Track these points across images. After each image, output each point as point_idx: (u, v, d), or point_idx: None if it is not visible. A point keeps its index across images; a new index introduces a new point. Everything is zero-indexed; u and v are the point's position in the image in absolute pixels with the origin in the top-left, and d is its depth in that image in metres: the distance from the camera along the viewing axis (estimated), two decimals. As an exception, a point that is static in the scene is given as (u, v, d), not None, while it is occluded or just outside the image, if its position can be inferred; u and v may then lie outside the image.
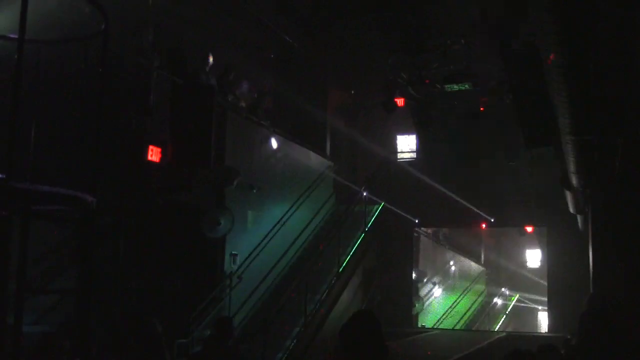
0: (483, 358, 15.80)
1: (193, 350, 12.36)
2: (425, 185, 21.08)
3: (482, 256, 25.96)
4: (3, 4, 7.42)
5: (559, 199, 14.78)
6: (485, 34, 17.18)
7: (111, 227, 12.06)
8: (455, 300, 25.23)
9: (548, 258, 21.21)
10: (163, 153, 12.65)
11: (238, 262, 15.02)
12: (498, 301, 26.10)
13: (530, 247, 24.05)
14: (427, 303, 23.71)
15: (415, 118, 21.01)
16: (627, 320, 7.49)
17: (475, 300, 25.84)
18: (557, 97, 7.60)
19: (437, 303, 24.70)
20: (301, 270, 16.33)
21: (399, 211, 21.24)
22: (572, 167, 10.44)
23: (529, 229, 22.32)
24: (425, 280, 23.97)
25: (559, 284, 19.71)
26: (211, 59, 14.56)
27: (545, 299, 22.18)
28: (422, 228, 22.40)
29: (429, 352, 15.01)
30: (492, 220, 21.49)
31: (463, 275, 25.42)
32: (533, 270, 24.46)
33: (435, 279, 24.81)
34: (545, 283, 22.19)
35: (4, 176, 4.17)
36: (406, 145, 22.93)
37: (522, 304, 25.13)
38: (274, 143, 17.23)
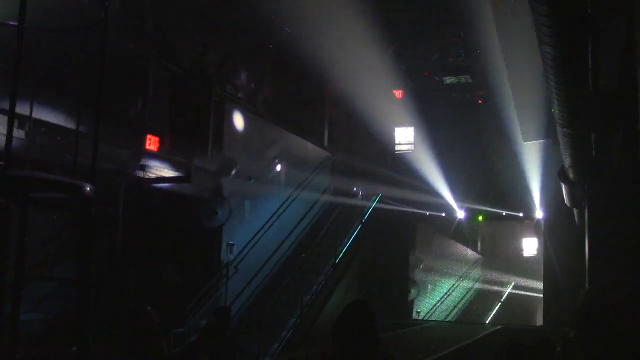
0: (479, 350, 15.84)
1: (189, 340, 12.39)
2: (423, 177, 21.12)
3: (479, 244, 26.01)
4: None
5: (556, 192, 14.81)
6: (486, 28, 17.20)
7: (108, 216, 12.06)
8: (451, 287, 25.31)
9: (544, 251, 21.25)
10: (161, 142, 12.65)
11: (235, 252, 15.04)
12: (493, 289, 26.18)
13: (526, 236, 24.11)
14: (422, 289, 23.79)
15: (413, 110, 21.03)
16: (624, 314, 7.52)
17: (471, 288, 25.93)
18: (554, 90, 7.62)
19: (433, 289, 24.77)
20: (298, 261, 16.35)
21: (396, 202, 21.26)
22: (568, 161, 10.47)
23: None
24: (421, 266, 24.02)
25: (555, 277, 19.74)
26: (210, 49, 14.55)
27: (541, 285, 22.26)
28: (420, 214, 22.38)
29: (432, 346, 15.04)
30: (489, 213, 21.56)
31: (459, 262, 25.47)
32: (529, 259, 24.52)
33: (431, 265, 24.89)
34: (541, 270, 22.26)
35: (3, 164, 4.18)
36: (404, 137, 22.94)
37: (518, 292, 25.19)
38: (272, 133, 17.23)
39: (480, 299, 25.80)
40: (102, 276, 10.96)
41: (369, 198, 21.14)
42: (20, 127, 7.01)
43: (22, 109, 4.67)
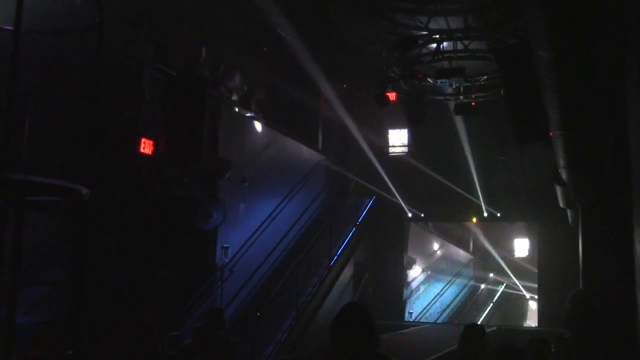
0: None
1: (184, 343, 12.38)
2: (417, 180, 21.18)
3: (471, 244, 26.07)
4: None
5: (549, 194, 14.85)
6: (479, 29, 17.24)
7: (104, 219, 12.05)
8: (443, 287, 25.33)
9: (538, 252, 21.34)
10: (155, 145, 12.65)
11: (229, 254, 15.04)
12: (485, 289, 26.19)
13: (518, 237, 24.14)
14: (414, 289, 23.85)
15: (407, 112, 21.04)
16: (616, 315, 7.56)
17: (463, 288, 25.96)
18: (547, 92, 7.65)
19: (425, 290, 24.80)
20: (292, 263, 16.37)
21: (390, 205, 21.32)
22: (562, 162, 10.50)
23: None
24: (413, 267, 24.07)
25: (549, 278, 19.82)
26: (204, 52, 14.56)
27: (532, 286, 22.37)
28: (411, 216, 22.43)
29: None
30: (484, 214, 21.62)
31: (451, 262, 25.52)
32: (521, 259, 24.54)
33: (424, 266, 24.91)
34: (533, 270, 22.38)
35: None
36: (398, 139, 22.99)
37: (510, 292, 25.20)
38: (267, 136, 17.25)
39: (473, 300, 25.83)
40: (97, 279, 10.96)
41: (364, 200, 21.19)
42: (18, 129, 7.02)
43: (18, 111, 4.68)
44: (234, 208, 15.37)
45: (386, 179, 21.45)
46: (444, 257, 25.61)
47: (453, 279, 25.45)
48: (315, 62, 17.98)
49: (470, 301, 26.06)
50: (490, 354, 6.12)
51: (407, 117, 20.29)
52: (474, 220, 22.44)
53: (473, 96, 19.47)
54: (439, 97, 20.08)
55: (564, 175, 11.24)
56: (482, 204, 21.32)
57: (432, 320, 24.11)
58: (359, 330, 4.05)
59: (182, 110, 12.72)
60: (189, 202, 14.01)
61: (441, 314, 24.77)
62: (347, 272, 19.09)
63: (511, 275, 24.92)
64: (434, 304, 24.60)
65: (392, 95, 18.94)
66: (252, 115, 16.76)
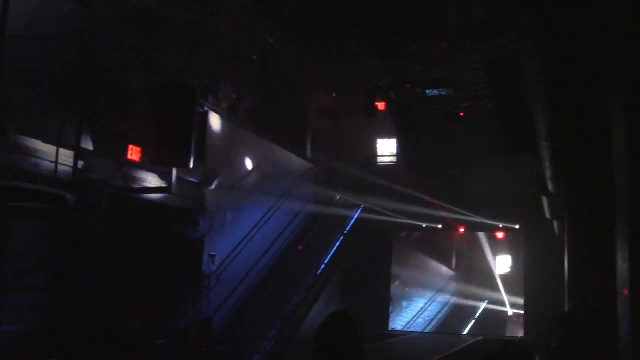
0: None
1: (172, 352, 12.33)
2: (404, 189, 21.19)
3: (454, 261, 26.13)
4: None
5: (536, 204, 14.90)
6: (468, 40, 17.31)
7: (90, 226, 12.00)
8: (426, 304, 25.34)
9: (525, 263, 21.37)
10: (143, 153, 12.62)
11: (217, 263, 15.01)
12: (467, 305, 26.23)
13: (500, 253, 24.21)
14: (397, 305, 23.89)
15: (396, 122, 21.12)
16: (599, 325, 7.59)
17: (446, 304, 25.99)
18: (534, 103, 7.69)
19: (407, 306, 24.81)
20: (280, 272, 16.35)
21: (378, 215, 21.32)
22: (548, 173, 10.53)
23: (500, 234, 22.52)
24: (396, 282, 24.09)
25: (535, 289, 19.86)
26: (193, 60, 14.57)
27: (514, 302, 22.49)
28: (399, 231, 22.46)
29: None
30: (470, 225, 21.70)
31: (433, 278, 25.56)
32: (503, 276, 24.61)
33: (406, 281, 24.91)
34: (513, 286, 22.53)
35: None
36: (387, 149, 23.01)
37: (492, 308, 25.24)
38: (255, 144, 17.24)
39: (455, 316, 25.87)
40: (82, 286, 10.90)
41: (351, 209, 21.20)
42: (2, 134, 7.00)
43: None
44: (222, 216, 15.35)
45: (374, 188, 21.47)
46: (425, 273, 25.64)
47: (435, 295, 25.53)
48: (305, 71, 18.02)
49: (452, 317, 26.10)
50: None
51: (396, 126, 20.37)
52: (462, 230, 22.46)
53: (462, 106, 19.57)
54: (428, 107, 20.13)
55: (550, 186, 11.28)
56: (470, 214, 21.36)
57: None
58: (344, 340, 4.04)
59: (171, 118, 12.70)
60: (177, 211, 13.97)
61: (424, 329, 24.81)
62: (334, 282, 19.07)
63: (493, 290, 24.96)
64: (416, 320, 24.66)
65: (381, 105, 18.99)
66: (240, 123, 16.76)
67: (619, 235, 4.74)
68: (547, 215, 14.23)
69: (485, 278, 24.18)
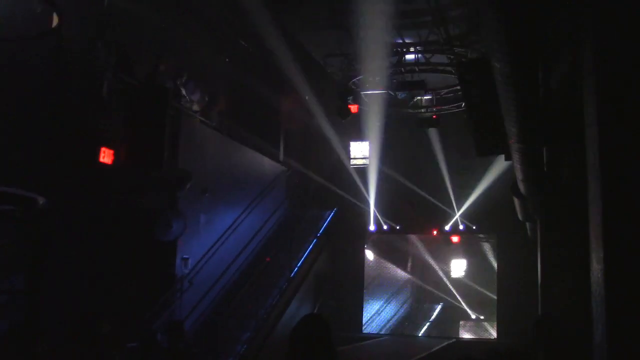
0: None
1: (143, 354, 12.24)
2: (377, 192, 21.27)
3: (409, 264, 26.30)
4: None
5: (509, 207, 15.02)
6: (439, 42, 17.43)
7: (62, 228, 11.89)
8: (382, 306, 25.49)
9: (497, 266, 21.51)
10: (115, 155, 12.52)
11: (189, 266, 14.94)
12: (423, 308, 26.40)
13: (455, 257, 24.41)
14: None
15: (367, 124, 21.16)
16: (572, 327, 7.65)
17: (401, 306, 26.17)
18: (505, 104, 7.75)
19: (365, 308, 24.98)
20: (253, 275, 16.33)
21: (351, 217, 21.39)
22: (520, 175, 10.62)
23: (455, 239, 22.69)
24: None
25: (508, 292, 20.01)
26: (166, 62, 14.50)
27: (470, 307, 22.83)
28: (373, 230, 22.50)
29: None
30: (445, 228, 21.86)
31: (390, 282, 25.72)
32: (457, 280, 24.85)
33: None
34: (470, 292, 22.84)
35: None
36: (359, 151, 23.04)
37: (447, 311, 25.45)
38: (228, 147, 17.20)
39: (410, 318, 26.08)
40: (55, 289, 10.79)
41: (324, 212, 21.24)
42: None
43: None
44: (195, 219, 15.29)
45: (346, 191, 21.54)
46: (382, 276, 25.82)
47: (391, 298, 25.71)
48: (277, 73, 18.01)
49: (408, 320, 26.32)
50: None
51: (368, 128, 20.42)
52: (435, 233, 22.58)
53: (435, 109, 19.68)
54: (400, 110, 20.22)
55: (522, 188, 11.37)
56: (440, 218, 21.52)
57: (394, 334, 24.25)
58: (317, 342, 4.05)
59: (143, 120, 12.62)
60: (149, 213, 13.88)
61: (379, 330, 25.02)
62: (308, 284, 19.07)
63: (448, 293, 25.20)
64: (371, 322, 24.85)
65: (353, 107, 19.03)
66: (213, 125, 16.71)
67: (593, 236, 4.77)
68: (520, 217, 14.36)
69: (440, 281, 24.42)
